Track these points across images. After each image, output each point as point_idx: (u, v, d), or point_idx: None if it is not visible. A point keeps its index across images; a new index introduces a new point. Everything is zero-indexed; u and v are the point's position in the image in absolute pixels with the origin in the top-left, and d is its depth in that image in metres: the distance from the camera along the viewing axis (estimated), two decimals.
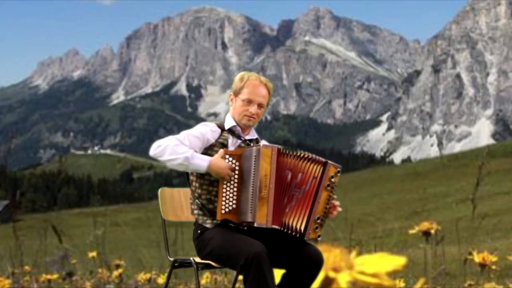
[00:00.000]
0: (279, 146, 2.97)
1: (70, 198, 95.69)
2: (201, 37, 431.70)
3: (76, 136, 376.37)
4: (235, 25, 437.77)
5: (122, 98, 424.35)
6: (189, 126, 3.22)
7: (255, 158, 2.88)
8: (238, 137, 3.06)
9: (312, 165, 2.84)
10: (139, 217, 52.05)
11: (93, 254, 6.57)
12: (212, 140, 3.01)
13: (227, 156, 2.93)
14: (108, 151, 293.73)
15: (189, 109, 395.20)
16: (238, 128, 3.06)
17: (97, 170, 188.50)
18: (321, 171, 2.81)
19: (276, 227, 2.87)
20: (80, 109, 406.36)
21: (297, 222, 2.82)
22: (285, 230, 2.84)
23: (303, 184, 2.84)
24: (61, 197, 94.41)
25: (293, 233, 2.82)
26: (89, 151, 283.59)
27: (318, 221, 2.81)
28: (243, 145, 3.04)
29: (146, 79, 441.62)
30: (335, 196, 2.87)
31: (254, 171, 2.88)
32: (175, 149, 2.87)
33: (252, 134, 3.12)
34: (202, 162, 2.89)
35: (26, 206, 79.36)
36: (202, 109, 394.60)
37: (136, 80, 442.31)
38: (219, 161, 2.91)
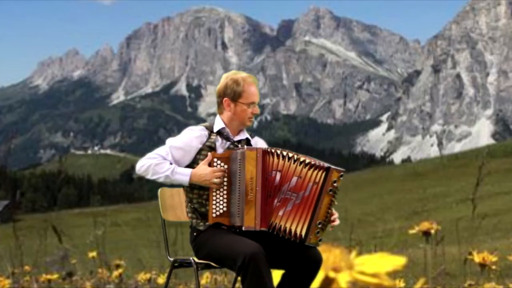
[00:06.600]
0: (265, 147, 2.96)
1: (70, 198, 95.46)
2: (201, 37, 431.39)
3: (76, 136, 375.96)
4: (235, 25, 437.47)
5: (122, 98, 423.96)
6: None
7: (240, 162, 2.88)
8: (227, 139, 3.03)
9: (312, 170, 2.75)
10: (139, 217, 51.97)
11: (93, 254, 6.58)
12: (200, 145, 2.99)
13: (215, 160, 2.92)
14: (108, 151, 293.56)
15: (189, 109, 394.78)
16: (227, 130, 3.03)
17: (97, 170, 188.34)
18: (323, 176, 2.73)
19: (264, 229, 2.86)
20: (80, 109, 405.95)
21: (297, 227, 2.76)
22: (285, 236, 2.79)
23: (301, 189, 2.76)
24: (61, 197, 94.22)
25: (293, 239, 2.77)
26: (89, 151, 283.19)
27: (320, 225, 2.76)
28: (232, 147, 3.01)
29: (146, 79, 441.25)
30: (336, 203, 2.80)
31: (239, 175, 2.87)
32: (156, 169, 2.91)
33: (242, 135, 3.08)
34: (184, 177, 2.91)
35: (26, 206, 79.23)
36: (202, 109, 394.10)
37: (136, 80, 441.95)
38: (201, 170, 2.90)
